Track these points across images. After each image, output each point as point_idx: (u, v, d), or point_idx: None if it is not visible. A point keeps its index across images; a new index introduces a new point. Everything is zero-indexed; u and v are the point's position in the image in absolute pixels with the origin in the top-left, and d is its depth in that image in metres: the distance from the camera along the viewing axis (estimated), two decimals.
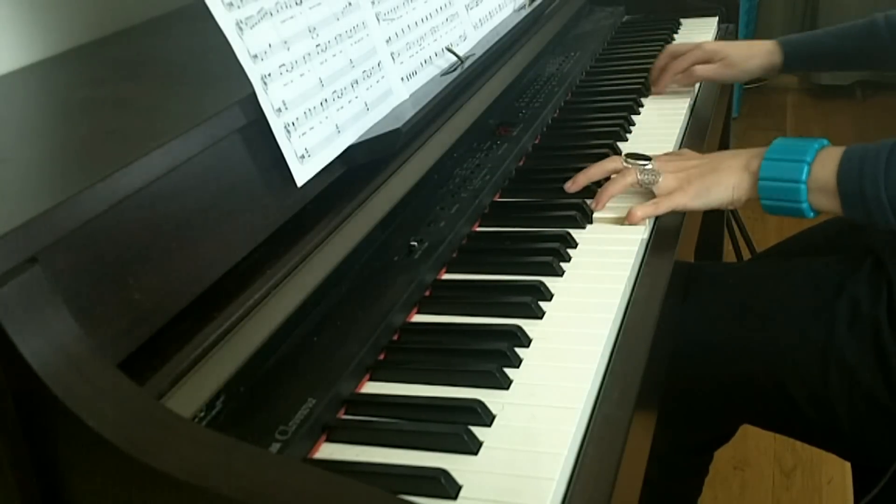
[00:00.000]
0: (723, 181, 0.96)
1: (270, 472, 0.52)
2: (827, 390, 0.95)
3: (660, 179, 0.99)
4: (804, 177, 0.91)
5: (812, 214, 0.93)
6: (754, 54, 1.34)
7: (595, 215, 1.00)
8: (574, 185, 1.04)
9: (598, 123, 1.27)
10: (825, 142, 0.93)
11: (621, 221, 0.98)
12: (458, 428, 0.66)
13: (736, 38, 1.72)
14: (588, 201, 1.02)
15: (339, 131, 0.85)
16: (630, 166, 1.01)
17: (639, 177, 1.00)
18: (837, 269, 1.01)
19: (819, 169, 0.90)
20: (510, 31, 1.21)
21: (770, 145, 0.95)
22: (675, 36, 1.67)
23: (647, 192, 1.01)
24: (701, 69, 1.35)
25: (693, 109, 1.33)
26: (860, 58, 1.32)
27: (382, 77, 0.95)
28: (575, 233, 0.96)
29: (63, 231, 0.58)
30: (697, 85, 1.39)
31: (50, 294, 0.56)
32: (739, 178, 0.96)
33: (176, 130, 0.70)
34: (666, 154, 1.05)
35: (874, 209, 0.88)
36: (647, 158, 1.01)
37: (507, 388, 0.72)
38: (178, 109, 0.82)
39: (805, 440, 1.08)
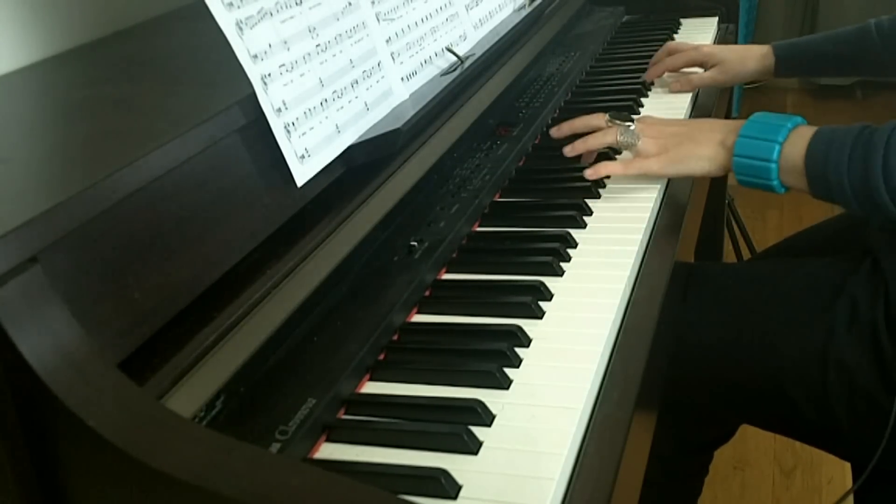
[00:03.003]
0: (697, 153, 1.00)
1: (270, 472, 0.52)
2: (826, 391, 0.95)
3: (638, 143, 1.03)
4: (775, 156, 0.93)
5: (783, 190, 0.97)
6: (748, 58, 1.35)
7: (595, 215, 1.00)
8: (559, 132, 1.12)
9: None
10: (799, 119, 0.95)
11: (621, 221, 0.98)
12: (458, 428, 0.66)
13: (736, 38, 1.72)
14: (588, 201, 1.02)
15: (339, 131, 0.85)
16: (612, 125, 1.06)
17: (619, 138, 1.04)
18: (836, 269, 1.01)
19: (789, 149, 0.93)
20: (510, 31, 1.21)
21: (746, 121, 0.97)
22: (675, 36, 1.66)
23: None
24: (697, 78, 1.37)
25: (693, 109, 1.33)
26: (852, 63, 1.32)
27: (382, 77, 0.95)
28: (575, 233, 0.96)
29: (63, 231, 0.58)
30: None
31: (50, 294, 0.56)
32: (715, 151, 0.99)
33: (176, 130, 0.70)
34: (648, 117, 1.08)
35: (837, 193, 0.91)
36: (631, 119, 1.05)
37: (507, 388, 0.72)
38: (178, 109, 0.82)
39: (804, 440, 1.08)
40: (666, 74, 1.41)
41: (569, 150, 1.09)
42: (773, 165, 0.94)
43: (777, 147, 0.94)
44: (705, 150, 1.00)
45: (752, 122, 0.97)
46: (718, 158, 0.99)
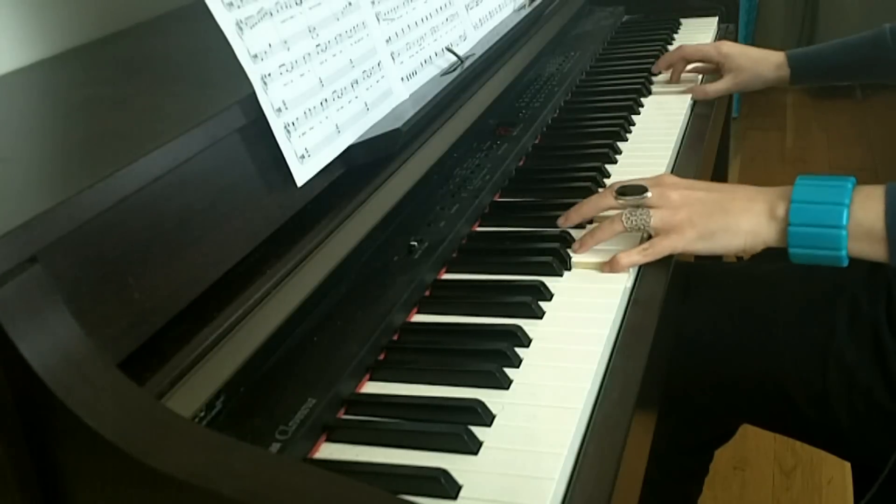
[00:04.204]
0: (734, 226, 0.86)
1: (270, 472, 0.52)
2: (826, 390, 0.95)
3: (651, 222, 0.88)
4: (845, 221, 0.81)
5: (847, 263, 0.84)
6: (765, 69, 1.35)
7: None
8: (566, 221, 0.96)
9: (598, 123, 1.27)
10: (853, 179, 0.84)
11: None
12: (458, 428, 0.66)
13: (736, 38, 1.72)
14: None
15: (339, 131, 0.85)
16: (621, 205, 0.91)
17: (626, 224, 0.89)
18: (837, 269, 1.01)
19: (861, 212, 0.81)
20: (510, 31, 1.21)
21: (794, 186, 0.85)
22: (675, 36, 1.66)
23: None
24: (712, 88, 1.37)
25: (693, 109, 1.33)
26: (867, 70, 1.32)
27: (382, 77, 0.95)
28: (575, 233, 0.95)
29: (63, 231, 0.58)
30: (698, 83, 1.40)
31: (50, 294, 0.56)
32: (758, 224, 0.86)
33: (176, 130, 0.70)
34: (666, 178, 0.93)
35: None
36: (643, 190, 0.90)
37: (507, 388, 0.72)
38: (178, 109, 0.82)
39: (805, 440, 1.08)
40: (670, 78, 1.42)
41: (577, 247, 0.92)
42: (843, 232, 0.81)
43: (845, 210, 0.81)
44: (744, 222, 0.86)
45: (803, 186, 0.84)
46: (763, 231, 0.86)
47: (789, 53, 1.34)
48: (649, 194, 0.89)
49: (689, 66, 1.42)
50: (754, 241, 0.87)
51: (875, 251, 0.83)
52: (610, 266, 0.88)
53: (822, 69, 1.33)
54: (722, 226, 0.87)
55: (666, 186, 0.90)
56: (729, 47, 1.38)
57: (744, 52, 1.38)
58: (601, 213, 0.95)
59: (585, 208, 0.95)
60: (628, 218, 0.89)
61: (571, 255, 0.92)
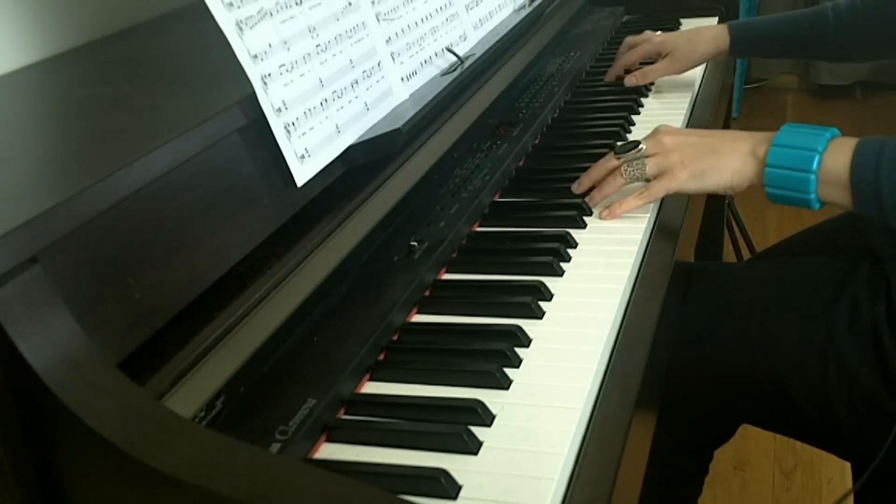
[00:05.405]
0: (722, 165, 0.93)
1: (270, 472, 0.52)
2: (826, 390, 0.95)
3: (647, 169, 0.96)
4: (815, 167, 0.86)
5: (818, 206, 0.89)
6: (699, 42, 1.35)
7: (595, 215, 1.00)
8: (580, 186, 1.03)
9: (598, 123, 1.27)
10: (836, 130, 0.89)
11: (621, 221, 0.98)
12: (458, 428, 0.66)
13: None
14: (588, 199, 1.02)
15: (339, 131, 0.85)
16: (619, 159, 0.98)
17: (625, 177, 0.98)
18: (837, 269, 1.01)
19: (830, 160, 0.86)
20: (510, 31, 1.21)
21: (778, 131, 0.91)
22: None
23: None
24: (651, 70, 1.37)
25: (693, 109, 1.33)
26: (805, 45, 1.32)
27: (382, 77, 0.95)
28: (575, 233, 0.96)
29: (63, 231, 0.58)
30: (697, 85, 1.40)
31: (50, 294, 0.56)
32: (743, 163, 0.92)
33: (176, 130, 0.70)
34: (663, 126, 1.00)
35: (888, 205, 0.84)
36: (637, 144, 0.98)
37: (507, 388, 0.72)
38: (178, 109, 0.82)
39: (805, 440, 1.08)
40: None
41: (591, 201, 1.01)
42: (812, 177, 0.86)
43: (817, 157, 0.86)
44: (731, 162, 0.92)
45: (785, 131, 0.90)
46: (746, 171, 0.92)
47: (731, 24, 1.34)
48: (643, 146, 0.97)
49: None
50: (741, 179, 0.93)
51: (841, 198, 0.87)
52: (609, 211, 0.98)
53: (763, 40, 1.33)
54: (711, 165, 0.94)
55: (661, 134, 0.98)
56: (661, 35, 1.39)
57: (678, 33, 1.39)
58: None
59: (594, 172, 1.02)
60: (626, 170, 0.98)
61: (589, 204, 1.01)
